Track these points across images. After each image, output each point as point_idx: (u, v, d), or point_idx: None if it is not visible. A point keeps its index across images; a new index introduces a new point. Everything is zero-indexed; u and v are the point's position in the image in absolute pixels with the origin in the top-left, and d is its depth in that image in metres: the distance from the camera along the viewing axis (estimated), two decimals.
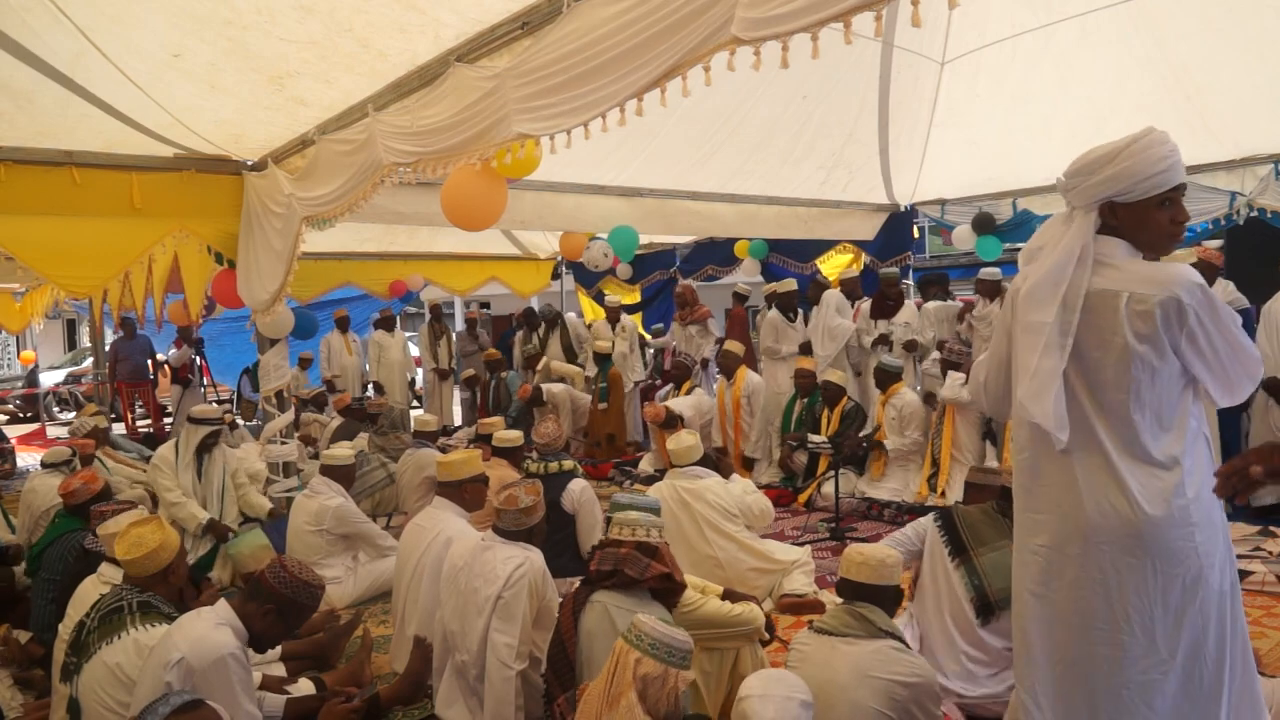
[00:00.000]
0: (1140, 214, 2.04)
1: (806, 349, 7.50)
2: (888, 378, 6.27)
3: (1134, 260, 2.05)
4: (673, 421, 6.59)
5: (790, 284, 8.01)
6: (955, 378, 5.90)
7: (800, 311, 7.85)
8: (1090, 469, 2.05)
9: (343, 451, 5.02)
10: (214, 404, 8.34)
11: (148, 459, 8.15)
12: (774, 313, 7.77)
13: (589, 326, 10.38)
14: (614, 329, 9.01)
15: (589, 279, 11.30)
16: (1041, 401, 2.07)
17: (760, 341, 8.02)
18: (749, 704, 2.06)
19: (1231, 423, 5.68)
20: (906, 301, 7.46)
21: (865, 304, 7.62)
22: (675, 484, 4.24)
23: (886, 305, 7.35)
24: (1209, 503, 2.02)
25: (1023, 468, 2.22)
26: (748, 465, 7.02)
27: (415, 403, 11.51)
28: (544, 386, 8.76)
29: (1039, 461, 2.15)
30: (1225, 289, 5.41)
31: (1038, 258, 2.15)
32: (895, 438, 6.21)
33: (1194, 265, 5.21)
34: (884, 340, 7.24)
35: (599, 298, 10.82)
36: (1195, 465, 2.02)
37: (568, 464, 4.49)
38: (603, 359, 8.51)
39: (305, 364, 9.97)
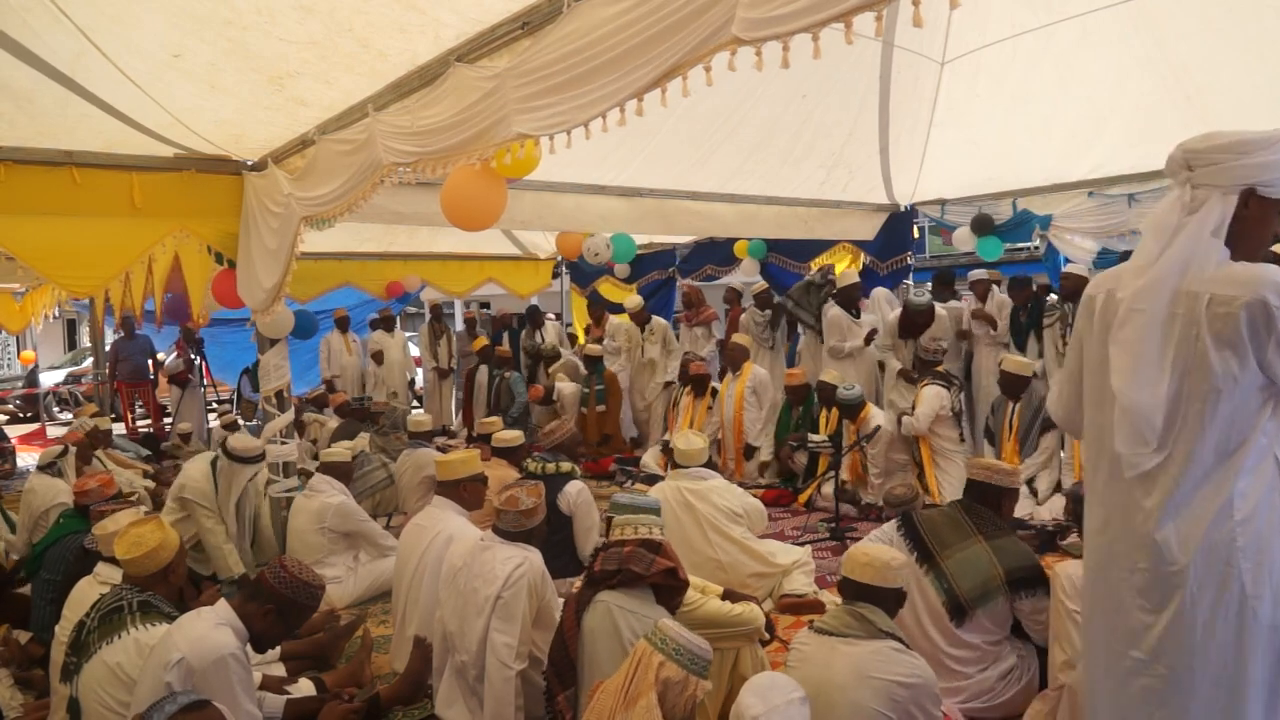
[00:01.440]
0: (1267, 211, 1.88)
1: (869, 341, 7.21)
2: (851, 409, 6.05)
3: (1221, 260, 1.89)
4: (703, 385, 7.07)
5: (852, 276, 7.49)
6: (908, 421, 5.90)
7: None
8: (1143, 473, 1.94)
9: (341, 449, 5.03)
10: (237, 421, 7.87)
11: (146, 459, 8.20)
12: (838, 310, 7.26)
13: (586, 329, 10.37)
14: (643, 331, 8.87)
15: (584, 279, 11.26)
16: (1149, 390, 1.89)
17: (825, 339, 7.44)
18: None
19: None
20: (940, 316, 6.88)
21: (896, 313, 7.14)
22: (679, 484, 4.23)
23: (915, 325, 6.84)
24: (1264, 528, 1.86)
25: (1090, 464, 2.13)
26: (748, 455, 7.01)
27: (415, 403, 11.50)
28: (557, 385, 8.77)
29: (1102, 458, 2.05)
30: None
31: (1146, 248, 1.98)
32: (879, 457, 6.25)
33: None
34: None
35: (594, 297, 10.79)
36: (1252, 487, 1.86)
37: (566, 466, 4.48)
38: (594, 362, 8.50)
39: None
